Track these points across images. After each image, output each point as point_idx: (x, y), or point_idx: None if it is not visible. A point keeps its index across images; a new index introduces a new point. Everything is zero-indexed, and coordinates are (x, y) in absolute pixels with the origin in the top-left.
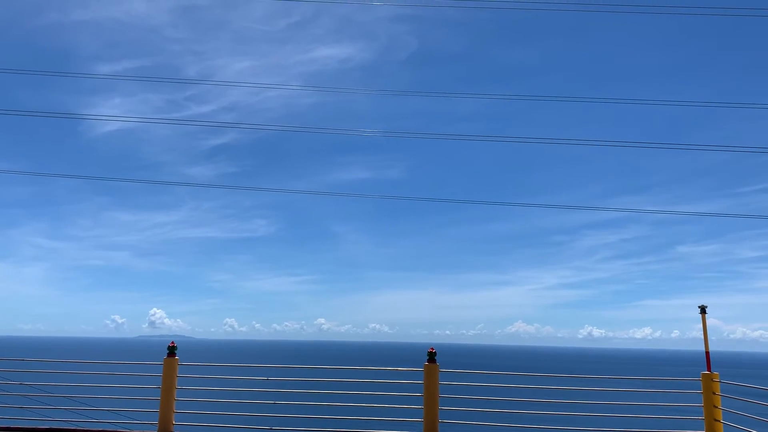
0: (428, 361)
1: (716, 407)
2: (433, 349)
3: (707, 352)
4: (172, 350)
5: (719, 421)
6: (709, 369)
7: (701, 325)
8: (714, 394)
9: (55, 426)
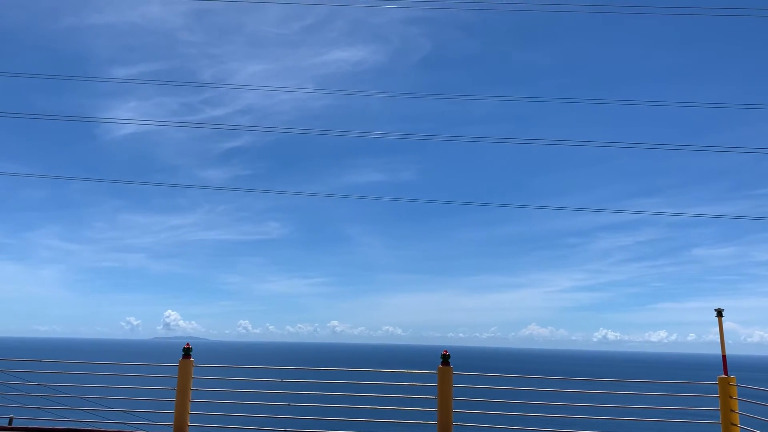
0: (442, 363)
1: (733, 411)
2: (446, 351)
3: (724, 356)
4: (187, 352)
5: (736, 425)
6: (726, 373)
7: (718, 329)
8: (731, 398)
9: (72, 426)
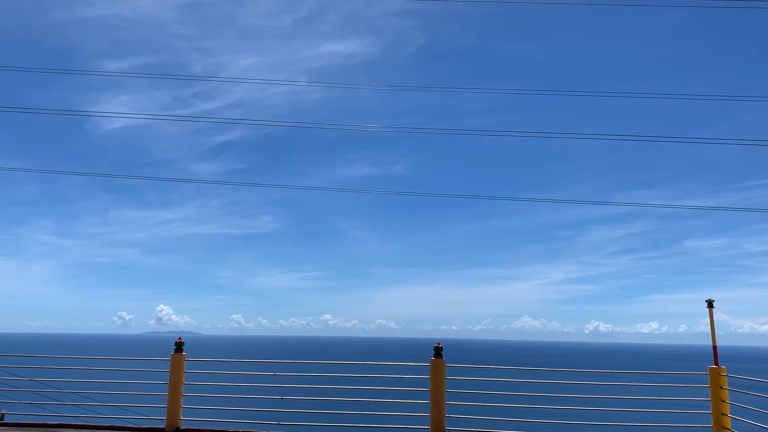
0: (435, 356)
1: (723, 401)
2: (439, 344)
3: (714, 347)
4: (179, 346)
5: (726, 415)
6: (716, 363)
7: (708, 320)
8: (721, 388)
9: (64, 421)
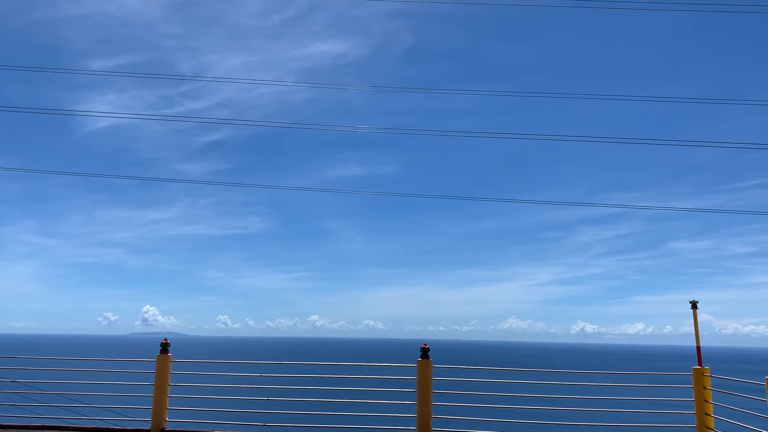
0: (421, 357)
1: (707, 401)
2: (426, 345)
3: (698, 348)
4: (165, 347)
5: (710, 415)
6: (700, 364)
7: (693, 321)
8: (705, 388)
9: (47, 423)
